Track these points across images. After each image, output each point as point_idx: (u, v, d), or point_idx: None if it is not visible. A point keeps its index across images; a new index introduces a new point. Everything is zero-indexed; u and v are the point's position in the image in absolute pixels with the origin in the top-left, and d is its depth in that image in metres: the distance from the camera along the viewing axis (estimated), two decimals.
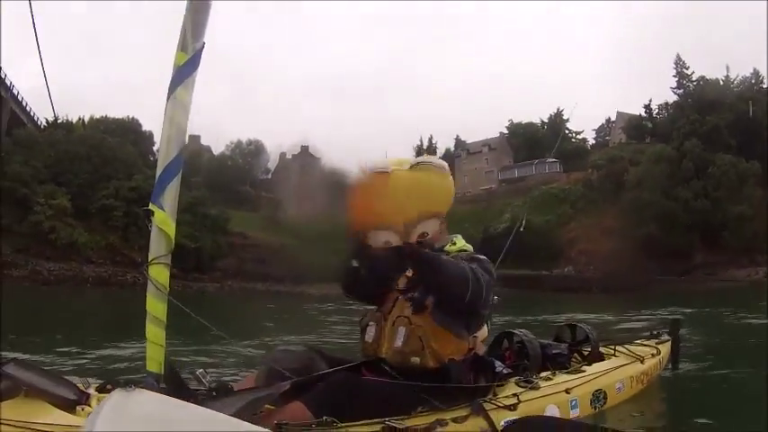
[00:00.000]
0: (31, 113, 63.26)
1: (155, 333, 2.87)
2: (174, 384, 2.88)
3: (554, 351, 4.74)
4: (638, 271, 52.17)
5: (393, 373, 3.38)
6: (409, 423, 3.05)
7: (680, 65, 75.56)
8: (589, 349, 5.05)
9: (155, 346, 2.87)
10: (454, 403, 3.30)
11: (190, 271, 46.78)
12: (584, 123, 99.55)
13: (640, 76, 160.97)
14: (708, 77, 72.60)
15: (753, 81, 70.87)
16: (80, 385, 3.06)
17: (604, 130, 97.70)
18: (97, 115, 68.75)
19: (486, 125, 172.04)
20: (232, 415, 2.09)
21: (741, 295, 25.40)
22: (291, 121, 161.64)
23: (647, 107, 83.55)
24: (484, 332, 3.63)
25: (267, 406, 3.04)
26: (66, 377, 3.15)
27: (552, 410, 3.75)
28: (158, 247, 2.93)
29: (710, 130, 61.51)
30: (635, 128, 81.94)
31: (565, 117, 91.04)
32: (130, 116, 68.99)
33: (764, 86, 69.24)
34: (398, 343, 3.41)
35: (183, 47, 3.02)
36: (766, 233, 52.11)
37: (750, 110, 62.49)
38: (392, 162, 3.48)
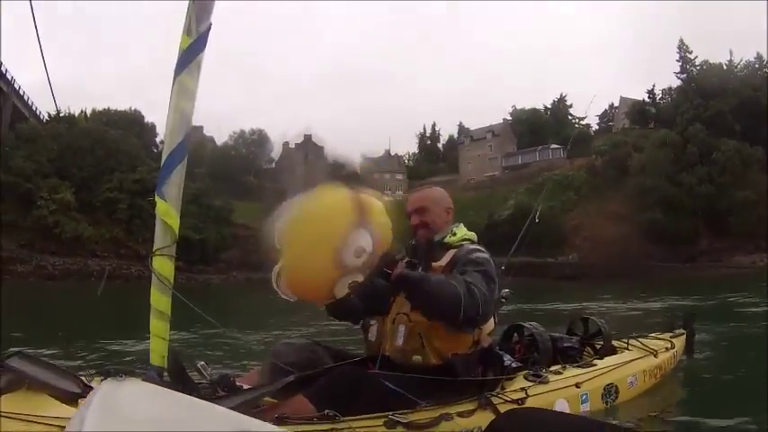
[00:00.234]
0: (33, 108, 63.37)
1: (158, 326, 2.82)
2: (176, 378, 2.85)
3: (565, 344, 4.66)
4: (643, 257, 52.22)
5: (397, 372, 3.27)
6: (413, 417, 2.99)
7: (683, 49, 75.18)
8: (601, 343, 4.93)
9: (158, 340, 2.82)
10: (460, 397, 3.24)
11: (194, 263, 46.95)
12: (588, 109, 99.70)
13: (644, 62, 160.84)
14: (711, 62, 72.34)
15: (757, 66, 70.61)
16: (83, 378, 3.03)
17: (608, 115, 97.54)
18: (99, 108, 68.90)
19: (490, 111, 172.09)
20: (232, 409, 2.05)
21: (748, 283, 25.25)
22: (294, 109, 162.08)
23: (651, 92, 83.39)
24: (490, 325, 3.52)
25: (269, 400, 2.99)
26: (70, 371, 3.12)
27: (562, 405, 3.69)
28: (162, 238, 2.87)
29: (714, 115, 61.37)
30: (638, 113, 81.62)
31: (578, 111, 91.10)
32: (133, 108, 69.18)
33: None
34: (399, 342, 3.35)
35: (187, 30, 2.91)
36: None
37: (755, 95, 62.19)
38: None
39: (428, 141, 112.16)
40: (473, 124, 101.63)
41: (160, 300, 2.81)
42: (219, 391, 2.88)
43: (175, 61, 2.92)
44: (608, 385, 4.17)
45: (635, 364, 4.66)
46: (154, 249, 2.86)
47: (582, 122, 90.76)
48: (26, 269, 43.30)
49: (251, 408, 2.77)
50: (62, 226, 47.14)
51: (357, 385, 3.08)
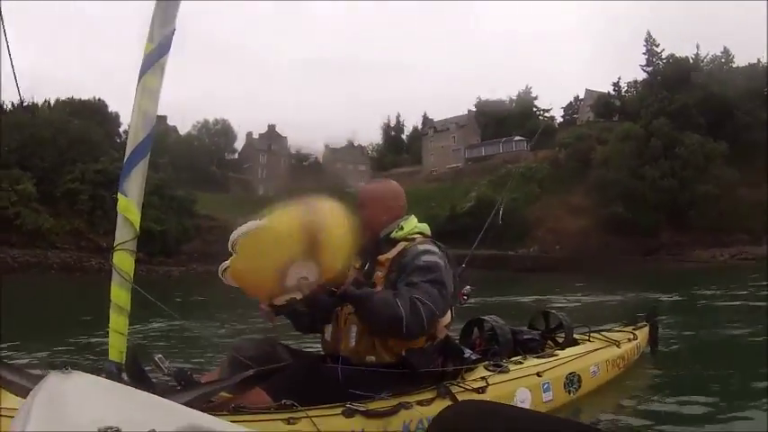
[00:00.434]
0: None
1: (117, 321, 2.84)
2: (134, 373, 2.84)
3: (525, 337, 4.67)
4: (604, 250, 52.73)
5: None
6: (372, 406, 3.01)
7: (650, 42, 75.86)
8: (563, 336, 4.94)
9: (117, 335, 2.84)
10: (419, 387, 3.26)
11: (155, 255, 46.40)
12: (553, 101, 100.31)
13: (610, 54, 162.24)
14: (678, 56, 72.92)
15: (723, 60, 71.44)
16: (38, 373, 3.01)
17: (573, 107, 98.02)
18: (63, 97, 67.79)
19: (455, 103, 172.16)
20: (186, 403, 2.03)
21: (710, 277, 25.65)
22: (258, 101, 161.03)
23: (616, 85, 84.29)
24: (447, 318, 3.51)
25: (223, 394, 2.98)
26: (23, 367, 3.10)
27: (523, 394, 3.70)
28: (123, 234, 2.91)
29: (679, 109, 61.97)
30: (603, 105, 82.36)
31: (543, 103, 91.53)
32: (97, 97, 68.20)
33: (734, 65, 69.93)
34: (352, 342, 3.31)
35: (150, 37, 2.99)
36: (732, 213, 52.99)
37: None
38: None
39: (392, 132, 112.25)
40: (438, 116, 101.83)
41: (120, 294, 2.85)
42: (176, 385, 2.87)
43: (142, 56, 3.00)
44: (570, 374, 4.18)
45: (597, 354, 4.71)
46: (115, 244, 2.90)
47: (546, 115, 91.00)
48: None
49: (205, 401, 2.78)
50: (23, 218, 46.30)
51: (315, 377, 3.09)
